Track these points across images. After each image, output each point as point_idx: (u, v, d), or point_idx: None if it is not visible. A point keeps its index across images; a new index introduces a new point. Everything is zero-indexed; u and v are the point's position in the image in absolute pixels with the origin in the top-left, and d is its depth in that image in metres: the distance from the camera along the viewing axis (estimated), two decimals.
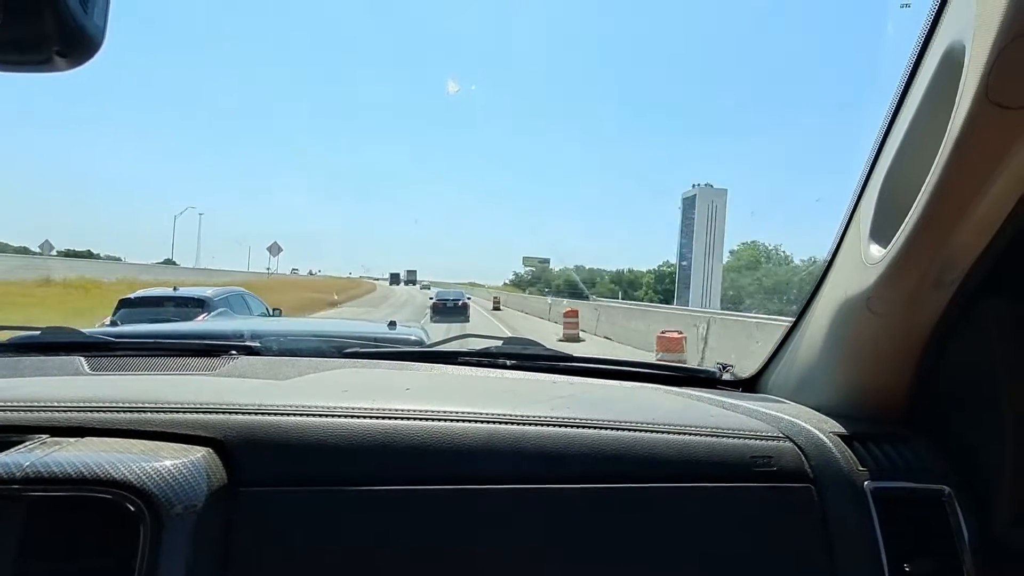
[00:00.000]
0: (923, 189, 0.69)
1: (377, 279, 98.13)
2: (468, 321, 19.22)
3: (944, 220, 0.69)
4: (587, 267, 78.98)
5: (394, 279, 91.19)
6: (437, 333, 2.59)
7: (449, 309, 18.77)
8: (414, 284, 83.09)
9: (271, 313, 8.29)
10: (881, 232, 0.80)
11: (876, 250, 0.80)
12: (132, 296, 7.27)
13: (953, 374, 0.84)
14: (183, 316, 6.37)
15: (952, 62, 0.65)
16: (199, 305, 6.98)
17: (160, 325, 2.11)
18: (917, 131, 0.75)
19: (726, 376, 1.24)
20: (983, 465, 0.81)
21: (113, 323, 6.36)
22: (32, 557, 0.58)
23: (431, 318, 18.53)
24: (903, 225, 0.73)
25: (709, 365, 1.29)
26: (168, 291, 7.55)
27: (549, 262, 70.67)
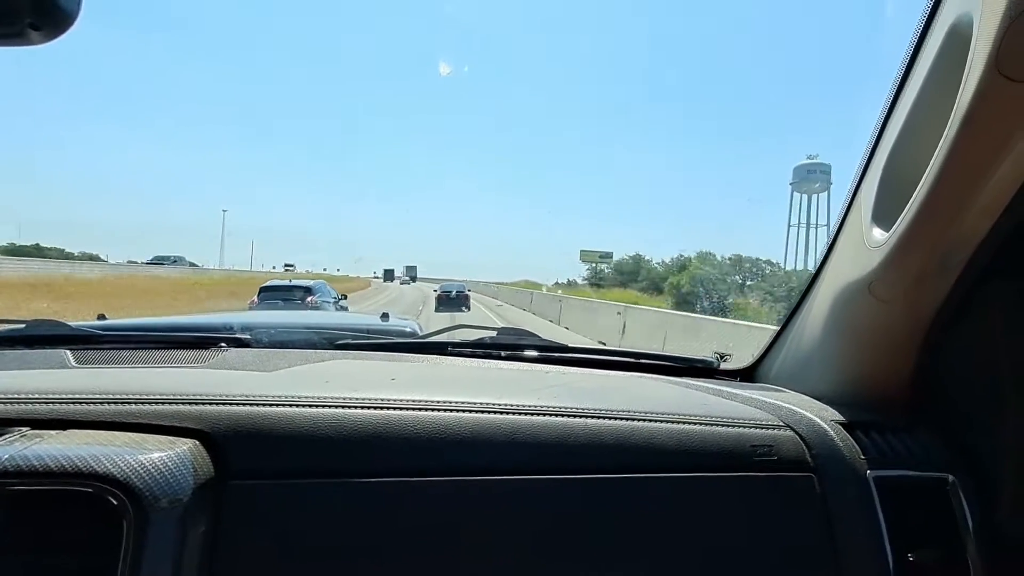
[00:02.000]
0: (929, 167, 0.67)
1: (376, 277, 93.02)
2: (469, 311, 22.87)
3: (951, 199, 0.67)
4: (717, 256, 46.83)
5: (388, 276, 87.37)
6: (441, 324, 2.56)
7: (452, 300, 23.22)
8: (414, 282, 77.50)
9: (339, 299, 11.91)
10: (884, 214, 0.78)
11: (879, 233, 0.78)
12: (267, 284, 11.53)
13: (956, 360, 0.83)
14: (301, 298, 10.52)
15: (959, 35, 0.64)
16: (308, 291, 10.87)
17: (148, 319, 2.07)
18: (922, 107, 0.73)
19: (724, 365, 1.23)
20: (987, 453, 0.80)
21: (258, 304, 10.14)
22: (11, 553, 0.56)
23: (435, 308, 22.29)
24: (907, 206, 0.71)
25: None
26: (287, 281, 12.34)
27: (611, 256, 60.29)
